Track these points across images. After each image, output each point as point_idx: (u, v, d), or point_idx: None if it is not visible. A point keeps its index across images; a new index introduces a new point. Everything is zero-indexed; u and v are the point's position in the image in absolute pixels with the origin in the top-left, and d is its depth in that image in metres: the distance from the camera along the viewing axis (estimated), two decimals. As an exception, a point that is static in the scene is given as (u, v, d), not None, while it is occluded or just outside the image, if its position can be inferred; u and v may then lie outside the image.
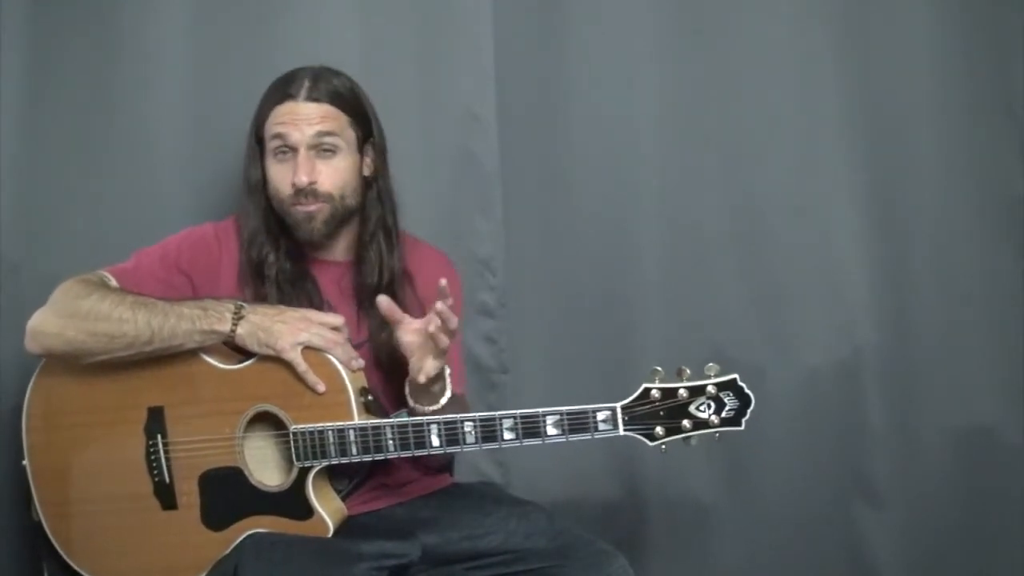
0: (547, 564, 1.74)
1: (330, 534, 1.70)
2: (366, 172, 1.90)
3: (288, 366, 1.68)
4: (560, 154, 2.38)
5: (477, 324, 2.29)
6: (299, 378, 1.69)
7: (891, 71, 2.39)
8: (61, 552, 1.76)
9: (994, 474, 2.41)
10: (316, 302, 1.83)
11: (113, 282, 1.77)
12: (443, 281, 1.66)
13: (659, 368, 1.66)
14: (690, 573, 2.43)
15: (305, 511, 1.70)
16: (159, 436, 1.73)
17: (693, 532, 2.42)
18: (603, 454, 2.33)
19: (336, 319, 1.73)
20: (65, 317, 1.70)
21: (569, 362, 2.40)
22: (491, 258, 2.35)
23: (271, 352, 1.69)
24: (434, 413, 1.73)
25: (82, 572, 1.76)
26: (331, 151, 1.83)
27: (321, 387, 1.68)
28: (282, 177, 1.83)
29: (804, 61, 2.39)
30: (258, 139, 1.87)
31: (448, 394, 1.76)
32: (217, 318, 1.69)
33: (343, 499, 1.78)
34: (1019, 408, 2.40)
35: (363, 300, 1.88)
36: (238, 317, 1.69)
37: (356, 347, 1.81)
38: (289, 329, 1.69)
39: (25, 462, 1.77)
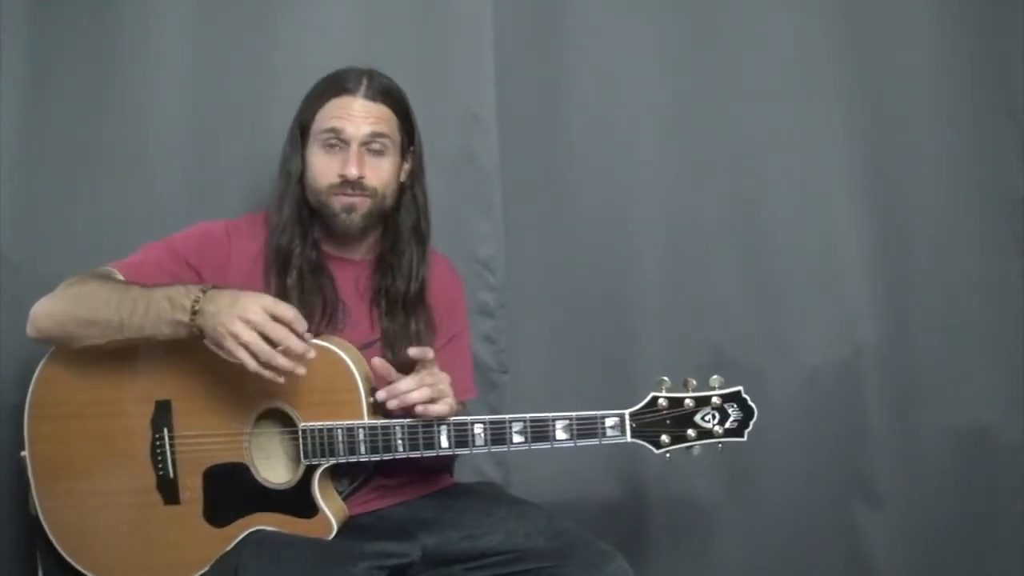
0: (547, 564, 1.74)
1: (333, 534, 1.71)
2: (402, 177, 1.92)
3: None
4: (560, 154, 2.38)
5: (477, 324, 2.29)
6: (315, 373, 1.67)
7: (891, 71, 2.39)
8: (57, 546, 1.76)
9: (994, 474, 2.42)
10: (330, 298, 1.85)
11: (119, 276, 1.77)
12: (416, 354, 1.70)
13: (666, 378, 1.71)
14: (690, 573, 2.43)
15: (310, 509, 1.71)
16: (165, 429, 1.73)
17: (693, 532, 2.42)
18: (603, 454, 2.33)
19: (287, 311, 1.63)
20: (57, 299, 1.72)
21: (569, 362, 2.40)
22: (491, 258, 2.35)
23: (224, 356, 1.63)
24: None
25: (78, 567, 1.75)
26: (381, 150, 1.85)
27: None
28: (327, 167, 1.84)
29: (804, 61, 2.39)
30: (302, 131, 1.88)
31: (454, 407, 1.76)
32: (181, 308, 1.65)
33: (343, 499, 1.79)
34: (1019, 408, 2.40)
35: (386, 302, 1.89)
36: (194, 314, 1.64)
37: (367, 346, 1.83)
38: (236, 326, 1.60)
39: (24, 453, 1.77)
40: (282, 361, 1.60)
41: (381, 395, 1.67)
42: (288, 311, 1.63)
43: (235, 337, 1.60)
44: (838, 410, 2.41)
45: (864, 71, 2.38)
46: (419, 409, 1.66)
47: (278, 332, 1.61)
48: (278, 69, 2.21)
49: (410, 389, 1.66)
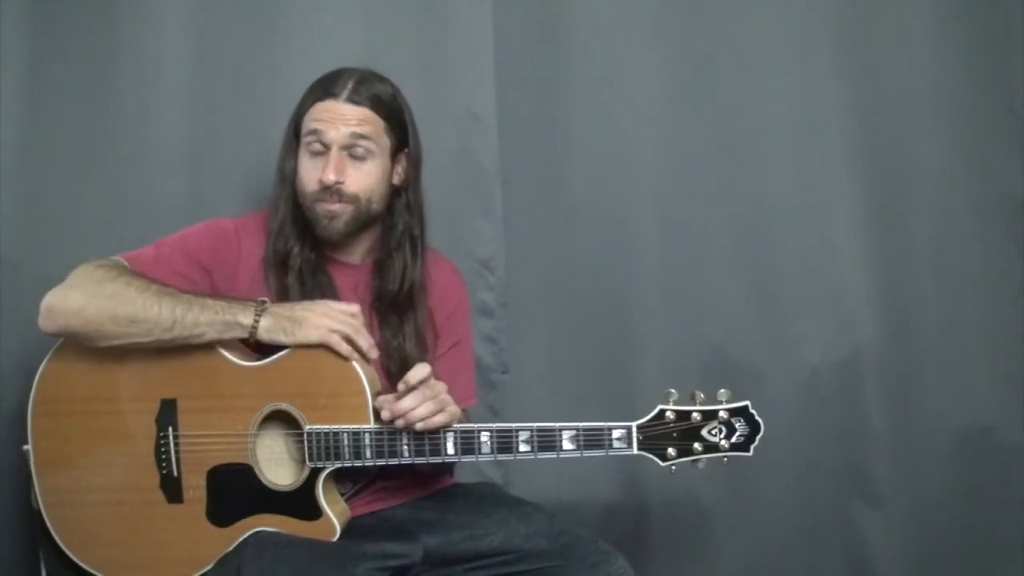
0: (547, 564, 1.75)
1: (336, 536, 1.71)
2: (395, 180, 1.91)
3: (306, 365, 1.69)
4: (560, 154, 2.38)
5: (477, 324, 2.28)
6: (322, 376, 1.69)
7: (891, 71, 2.40)
8: (59, 541, 1.75)
9: (994, 473, 2.42)
10: (329, 298, 1.83)
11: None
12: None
13: (673, 390, 1.71)
14: (690, 573, 2.43)
15: (313, 512, 1.70)
16: (170, 428, 1.73)
17: (693, 532, 2.42)
18: (604, 455, 2.33)
19: (352, 307, 1.74)
20: (87, 296, 1.68)
21: (569, 362, 2.41)
22: (491, 258, 2.35)
23: (303, 340, 1.68)
24: None
25: (79, 563, 1.75)
26: (363, 155, 1.84)
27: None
28: (311, 172, 1.83)
29: (804, 61, 2.39)
30: (295, 132, 1.88)
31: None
32: (240, 310, 1.69)
33: (345, 501, 1.78)
34: (1019, 407, 2.41)
35: (380, 305, 1.89)
36: (261, 310, 1.69)
37: (367, 349, 1.83)
38: (316, 317, 1.69)
39: (27, 447, 1.76)
40: (362, 340, 1.71)
41: (385, 415, 1.66)
42: (346, 306, 1.74)
43: (322, 322, 1.69)
44: (838, 410, 2.41)
45: (864, 71, 2.39)
46: (420, 426, 1.67)
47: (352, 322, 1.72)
48: (278, 69, 2.20)
49: (413, 407, 1.66)
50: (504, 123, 2.33)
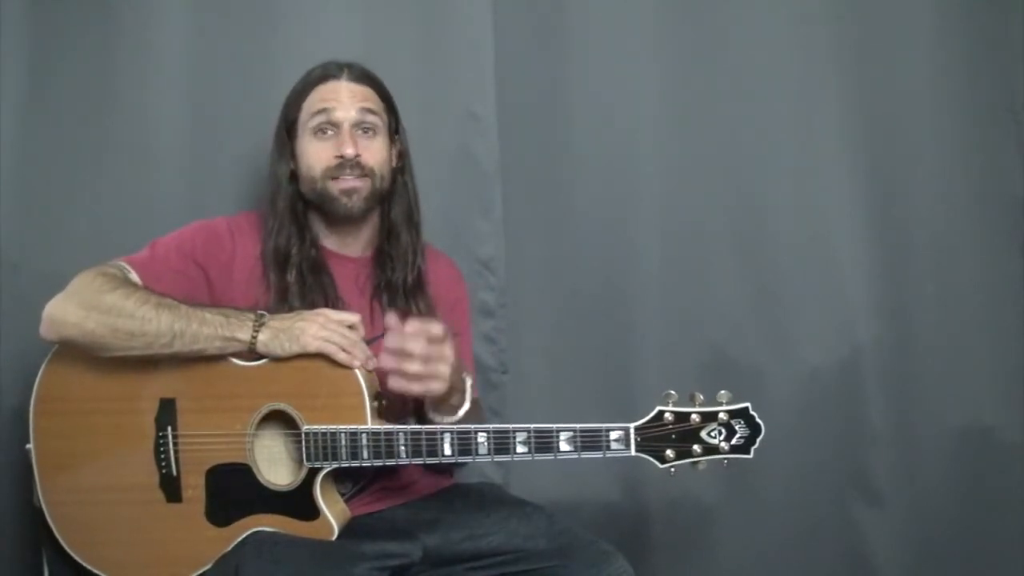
0: (548, 564, 1.75)
1: (334, 536, 1.70)
2: (393, 162, 1.92)
3: (304, 367, 1.68)
4: (560, 154, 2.38)
5: (477, 324, 2.28)
6: (320, 376, 1.69)
7: (891, 71, 2.40)
8: (60, 539, 1.75)
9: (994, 474, 2.42)
10: (331, 295, 1.85)
11: (134, 275, 1.76)
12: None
13: (673, 392, 1.69)
14: (690, 572, 2.43)
15: (311, 512, 1.70)
16: (169, 428, 1.73)
17: (693, 532, 2.42)
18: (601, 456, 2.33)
19: (352, 317, 1.73)
20: (87, 308, 1.69)
21: (569, 362, 2.41)
22: (491, 258, 2.35)
23: (298, 351, 1.68)
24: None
25: (80, 561, 1.75)
26: (372, 130, 1.87)
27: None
28: (320, 153, 1.85)
29: (804, 61, 2.39)
30: (288, 127, 1.89)
31: (467, 406, 1.77)
32: (238, 326, 1.69)
33: (346, 502, 1.78)
34: (1019, 408, 2.40)
35: (386, 295, 1.90)
36: (259, 324, 1.70)
37: (369, 343, 1.82)
38: (312, 327, 1.69)
39: (29, 446, 1.76)
40: (358, 352, 1.68)
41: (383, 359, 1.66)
42: (345, 316, 1.72)
43: (316, 332, 1.67)
44: (838, 410, 2.41)
45: (864, 71, 2.39)
46: (395, 384, 1.65)
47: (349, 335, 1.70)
48: (278, 70, 2.19)
49: (414, 352, 1.63)
50: (504, 123, 2.33)
